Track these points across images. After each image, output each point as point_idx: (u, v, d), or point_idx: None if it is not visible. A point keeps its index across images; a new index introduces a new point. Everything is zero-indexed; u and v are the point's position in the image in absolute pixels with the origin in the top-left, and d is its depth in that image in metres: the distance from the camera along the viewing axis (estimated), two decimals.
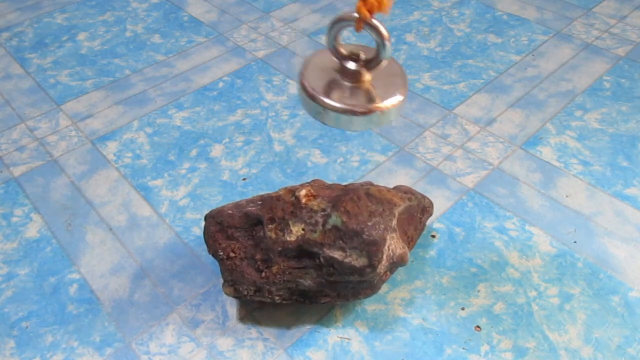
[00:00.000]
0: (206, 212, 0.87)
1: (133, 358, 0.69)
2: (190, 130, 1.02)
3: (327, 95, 0.54)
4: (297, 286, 0.68)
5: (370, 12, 0.50)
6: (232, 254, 0.69)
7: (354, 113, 0.53)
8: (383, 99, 0.54)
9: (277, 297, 0.68)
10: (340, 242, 0.64)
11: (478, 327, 0.71)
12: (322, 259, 0.64)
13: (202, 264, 0.79)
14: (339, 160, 0.95)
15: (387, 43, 0.52)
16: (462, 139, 0.98)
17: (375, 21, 0.51)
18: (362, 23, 0.51)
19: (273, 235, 0.67)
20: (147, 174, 0.94)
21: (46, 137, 1.01)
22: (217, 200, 0.89)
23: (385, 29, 0.52)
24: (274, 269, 0.67)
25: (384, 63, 0.54)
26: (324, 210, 0.66)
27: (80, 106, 1.09)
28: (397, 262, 0.69)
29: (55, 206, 0.88)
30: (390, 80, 0.56)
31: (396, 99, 0.54)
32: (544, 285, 0.75)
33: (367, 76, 0.55)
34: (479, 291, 0.75)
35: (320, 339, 0.70)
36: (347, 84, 0.55)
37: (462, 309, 0.73)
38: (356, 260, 0.63)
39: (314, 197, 0.67)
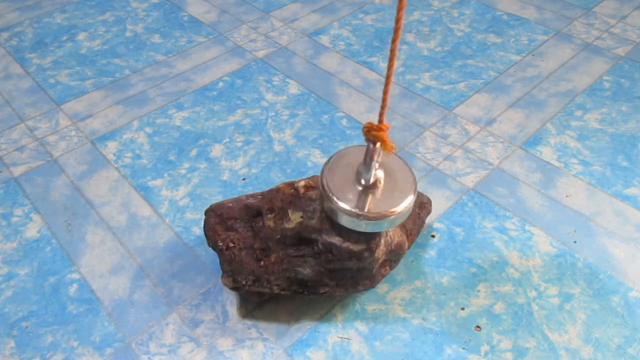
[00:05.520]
0: None
1: (133, 358, 0.69)
2: (190, 130, 1.02)
3: (345, 200, 0.60)
4: (295, 275, 0.68)
5: (374, 140, 0.57)
6: (231, 244, 0.69)
7: (367, 218, 0.59)
8: (394, 204, 0.60)
9: (275, 287, 0.68)
10: (338, 227, 0.64)
11: (478, 327, 0.71)
12: (320, 245, 0.65)
13: (202, 264, 0.79)
14: None
15: (371, 167, 0.59)
16: (462, 139, 0.98)
17: (375, 147, 0.57)
18: (373, 142, 0.57)
19: (272, 224, 0.67)
20: (147, 174, 0.94)
21: (46, 137, 1.01)
22: (217, 200, 0.89)
23: (375, 156, 0.58)
24: (273, 257, 0.67)
25: (368, 181, 0.61)
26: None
27: (80, 106, 1.09)
28: (396, 250, 0.69)
29: (55, 206, 0.88)
30: (401, 184, 0.63)
31: (404, 205, 0.60)
32: (544, 285, 0.75)
33: (380, 182, 0.62)
34: (479, 291, 0.75)
35: (320, 338, 0.70)
36: (361, 187, 0.62)
37: (462, 309, 0.73)
38: (354, 244, 0.64)
39: (312, 188, 0.68)
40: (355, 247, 0.64)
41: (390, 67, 0.51)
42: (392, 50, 0.50)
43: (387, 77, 0.52)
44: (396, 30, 0.48)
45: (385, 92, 0.54)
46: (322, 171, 0.63)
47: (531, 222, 0.83)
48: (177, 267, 0.79)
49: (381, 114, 0.56)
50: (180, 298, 0.75)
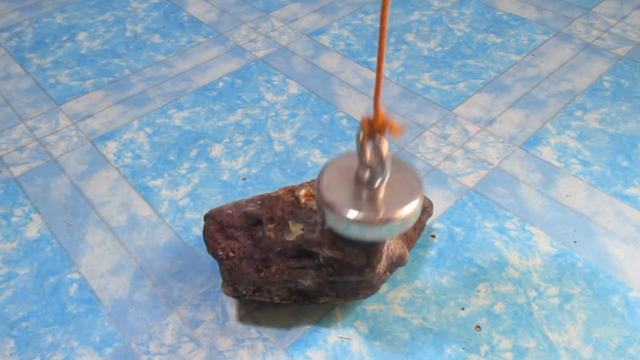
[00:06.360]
0: (206, 212, 0.87)
1: (133, 358, 0.69)
2: (190, 130, 1.02)
3: (347, 206, 0.54)
4: (296, 286, 0.68)
5: (380, 131, 0.50)
6: (231, 254, 0.69)
7: (372, 223, 0.53)
8: (399, 207, 0.54)
9: (276, 297, 0.68)
10: (340, 241, 0.64)
11: (478, 327, 0.71)
12: (321, 259, 0.64)
13: (202, 264, 0.79)
14: None
15: (387, 164, 0.53)
16: (462, 139, 0.98)
17: (381, 143, 0.51)
18: (368, 139, 0.52)
19: (272, 235, 0.67)
20: (147, 174, 0.94)
21: (46, 137, 1.01)
22: (217, 200, 0.89)
23: (387, 150, 0.52)
24: (273, 268, 0.67)
25: (382, 182, 0.55)
26: None
27: (80, 106, 1.09)
28: (397, 262, 0.69)
29: (55, 206, 0.88)
30: (405, 184, 0.57)
31: (411, 206, 0.55)
32: (544, 285, 0.75)
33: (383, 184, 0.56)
34: (479, 291, 0.75)
35: (320, 339, 0.70)
36: (363, 190, 0.56)
37: (462, 309, 0.73)
38: (355, 260, 0.63)
39: (313, 197, 0.67)
40: (356, 263, 0.63)
41: (381, 38, 0.45)
42: (382, 25, 0.45)
43: (380, 59, 0.47)
44: (383, 7, 0.44)
45: (378, 80, 0.48)
46: (318, 187, 0.58)
47: (531, 222, 0.83)
48: (177, 267, 0.79)
49: (376, 99, 0.50)
50: (180, 298, 0.75)
